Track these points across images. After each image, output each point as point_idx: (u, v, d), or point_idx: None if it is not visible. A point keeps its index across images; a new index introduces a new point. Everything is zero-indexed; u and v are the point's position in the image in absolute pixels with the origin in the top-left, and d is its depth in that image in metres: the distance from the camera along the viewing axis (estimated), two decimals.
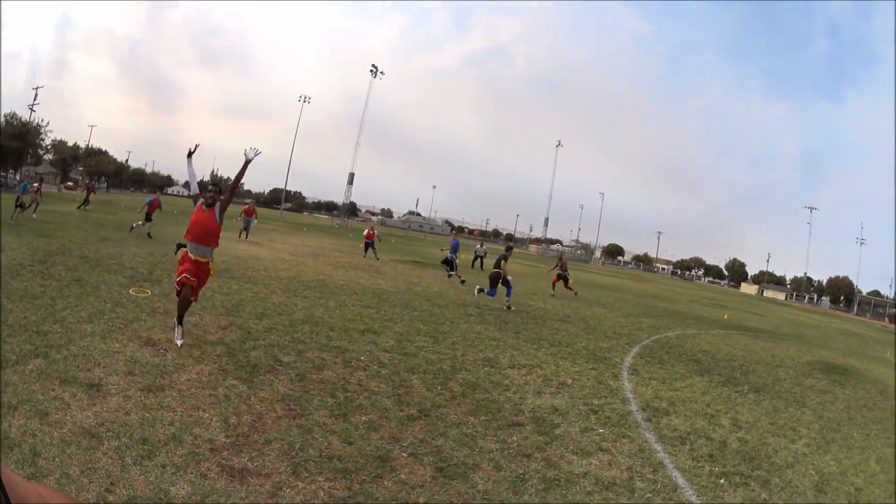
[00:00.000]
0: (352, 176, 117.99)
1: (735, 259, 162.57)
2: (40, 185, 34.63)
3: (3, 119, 74.75)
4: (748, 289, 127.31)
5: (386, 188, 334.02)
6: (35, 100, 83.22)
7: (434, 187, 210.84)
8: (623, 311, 23.39)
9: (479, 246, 40.70)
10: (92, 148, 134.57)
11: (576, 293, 26.32)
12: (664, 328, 19.47)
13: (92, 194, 46.69)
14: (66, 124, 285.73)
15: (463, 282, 24.61)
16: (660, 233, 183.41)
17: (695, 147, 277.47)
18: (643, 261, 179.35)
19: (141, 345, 8.96)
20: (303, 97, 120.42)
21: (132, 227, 27.73)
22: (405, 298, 17.37)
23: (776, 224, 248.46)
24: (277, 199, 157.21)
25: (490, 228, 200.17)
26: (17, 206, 28.32)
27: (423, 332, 12.71)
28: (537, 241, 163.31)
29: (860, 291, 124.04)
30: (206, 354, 8.97)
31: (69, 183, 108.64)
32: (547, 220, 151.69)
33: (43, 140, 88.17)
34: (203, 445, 5.92)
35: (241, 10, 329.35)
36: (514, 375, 10.01)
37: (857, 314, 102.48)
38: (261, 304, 13.35)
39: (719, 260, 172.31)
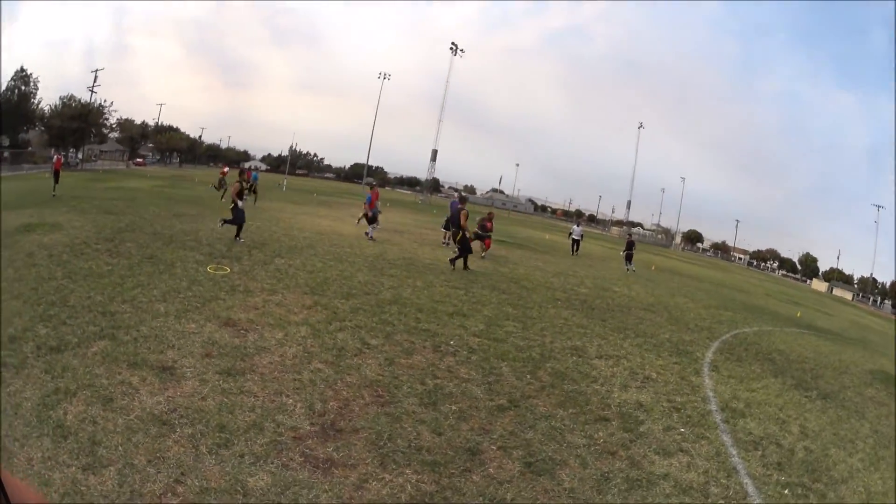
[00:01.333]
0: (435, 152, 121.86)
1: (808, 254, 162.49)
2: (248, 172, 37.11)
3: (58, 102, 79.37)
4: (819, 285, 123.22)
5: (468, 165, 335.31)
6: (95, 82, 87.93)
7: (517, 165, 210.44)
8: (704, 303, 23.27)
9: (575, 227, 38.06)
10: (161, 125, 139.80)
11: (483, 256, 24.20)
12: (742, 323, 19.42)
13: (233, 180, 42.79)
14: (132, 105, 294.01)
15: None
16: (738, 221, 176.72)
17: (768, 133, 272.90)
18: (721, 249, 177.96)
19: (220, 325, 9.04)
20: (382, 74, 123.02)
21: (358, 221, 27.03)
22: (492, 281, 17.28)
23: (845, 219, 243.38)
24: (358, 173, 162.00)
25: (573, 209, 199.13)
26: (252, 192, 31.78)
27: (512, 316, 12.66)
28: (619, 223, 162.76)
29: None
30: (289, 336, 8.97)
31: (138, 159, 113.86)
32: (629, 202, 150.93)
33: (107, 119, 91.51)
34: (286, 434, 5.88)
35: None
36: (602, 366, 10.04)
37: None
38: (346, 282, 13.40)
39: (793, 252, 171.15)
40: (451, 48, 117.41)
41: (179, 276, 11.87)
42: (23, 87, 74.45)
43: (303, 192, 62.91)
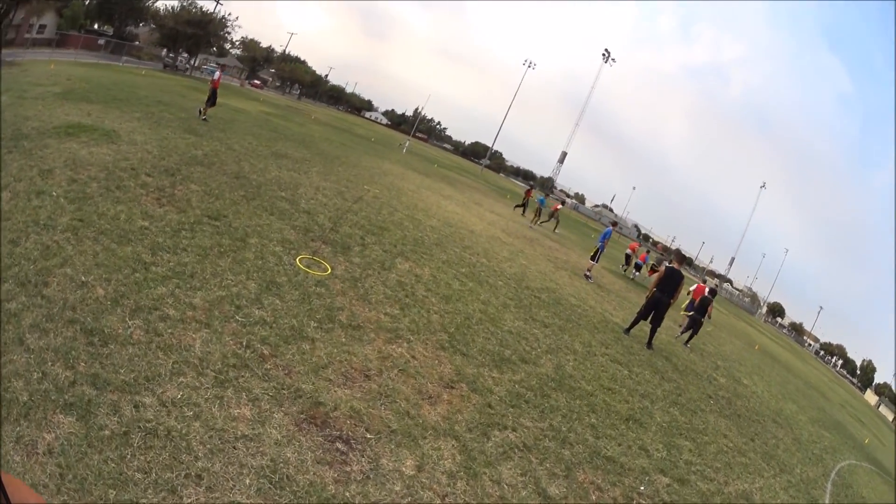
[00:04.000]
0: (564, 155, 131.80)
1: (869, 362, 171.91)
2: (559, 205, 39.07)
3: (177, 4, 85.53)
4: (870, 397, 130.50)
5: (583, 172, 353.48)
6: None
7: (634, 188, 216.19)
8: (809, 414, 21.82)
9: (714, 283, 36.00)
10: (288, 54, 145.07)
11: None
12: (839, 451, 18.04)
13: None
14: (262, 28, 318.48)
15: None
16: (821, 308, 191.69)
17: (868, 224, 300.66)
18: (797, 330, 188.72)
19: (298, 419, 5.12)
20: (528, 62, 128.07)
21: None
22: (647, 355, 14.07)
23: None
24: (476, 152, 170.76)
25: (674, 246, 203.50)
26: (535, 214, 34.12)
27: (683, 428, 10.14)
28: (711, 273, 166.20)
29: None
30: (425, 470, 5.05)
31: (255, 81, 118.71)
32: (733, 259, 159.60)
33: (229, 33, 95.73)
34: None
35: None
36: None
37: None
38: (494, 329, 9.74)
39: (858, 355, 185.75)
40: (604, 55, 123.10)
41: (249, 268, 8.05)
42: None
43: (424, 160, 60.08)
